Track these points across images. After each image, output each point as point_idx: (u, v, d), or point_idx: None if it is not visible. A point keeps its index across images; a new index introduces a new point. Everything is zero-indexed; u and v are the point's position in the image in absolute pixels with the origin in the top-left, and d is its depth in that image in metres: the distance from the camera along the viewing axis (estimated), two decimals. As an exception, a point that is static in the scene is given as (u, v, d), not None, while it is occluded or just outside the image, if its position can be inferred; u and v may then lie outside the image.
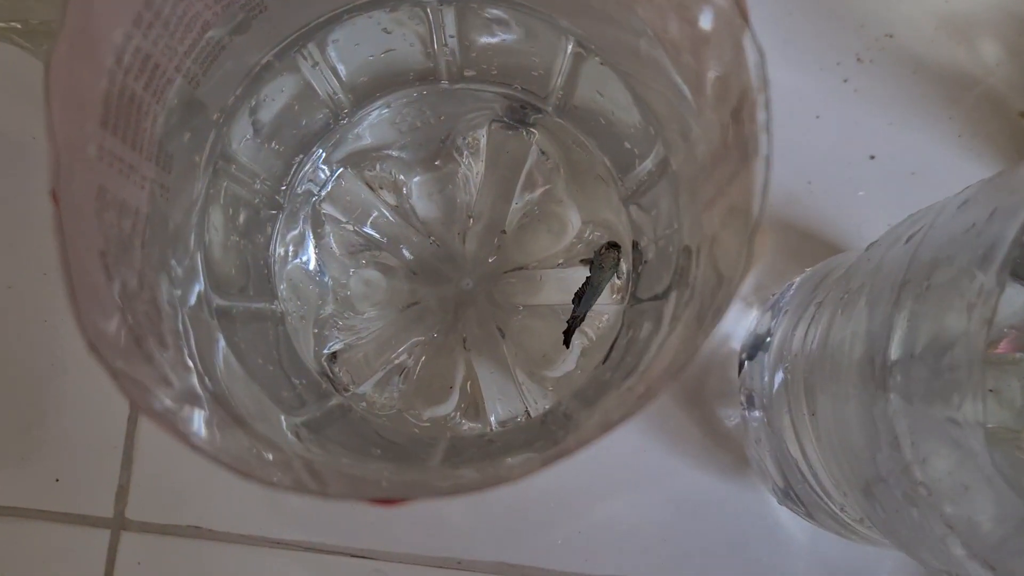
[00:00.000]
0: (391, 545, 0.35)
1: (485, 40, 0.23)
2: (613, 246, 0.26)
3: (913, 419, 0.21)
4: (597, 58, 0.22)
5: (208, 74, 0.20)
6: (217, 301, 0.22)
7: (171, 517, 0.36)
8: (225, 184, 0.23)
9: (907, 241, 0.21)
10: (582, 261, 0.27)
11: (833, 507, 0.29)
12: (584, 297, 0.27)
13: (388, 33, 0.23)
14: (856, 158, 0.37)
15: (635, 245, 0.26)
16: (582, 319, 0.27)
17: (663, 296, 0.21)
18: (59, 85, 0.15)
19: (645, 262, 0.24)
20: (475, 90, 0.27)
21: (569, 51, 0.22)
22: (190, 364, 0.19)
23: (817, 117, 0.37)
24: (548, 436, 0.24)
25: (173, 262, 0.20)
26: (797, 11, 0.38)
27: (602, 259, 0.26)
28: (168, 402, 0.16)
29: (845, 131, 0.37)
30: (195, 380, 0.18)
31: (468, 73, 0.25)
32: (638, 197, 0.24)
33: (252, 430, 0.18)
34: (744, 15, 0.15)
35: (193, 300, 0.20)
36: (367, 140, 0.29)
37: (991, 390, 0.31)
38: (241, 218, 0.24)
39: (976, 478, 0.18)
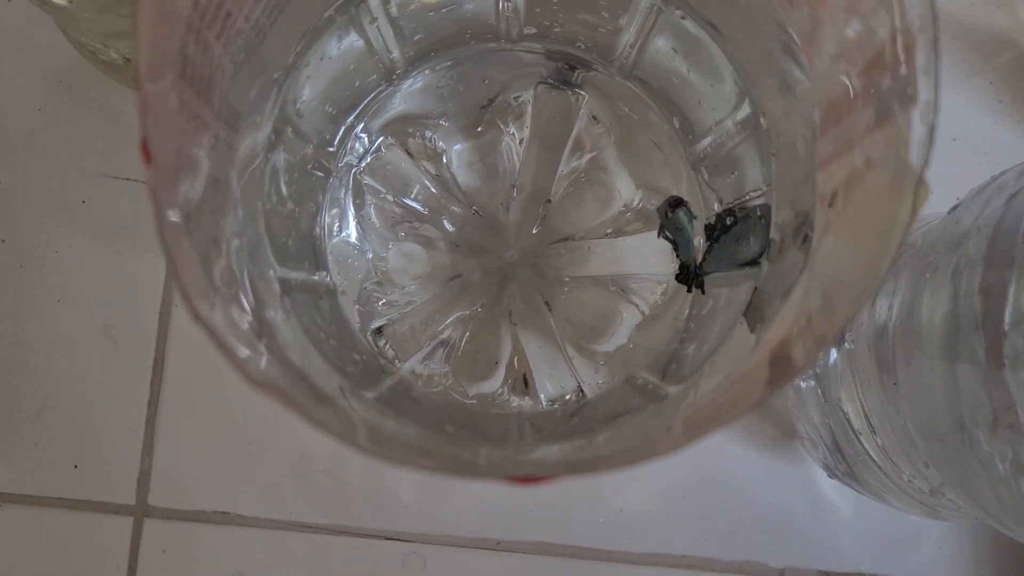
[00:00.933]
0: (427, 527, 0.34)
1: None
2: (677, 203, 0.25)
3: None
4: (679, 11, 0.21)
5: (275, 27, 0.19)
6: (280, 271, 0.21)
7: (196, 503, 0.34)
8: (281, 148, 0.21)
9: (1009, 201, 0.20)
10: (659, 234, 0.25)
11: (897, 477, 0.28)
12: (682, 254, 0.26)
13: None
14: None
15: (681, 198, 0.25)
16: (698, 271, 0.25)
17: (752, 264, 0.20)
18: (145, 24, 0.14)
19: (724, 227, 0.23)
20: (525, 51, 0.26)
21: (645, 4, 0.21)
22: (248, 319, 0.17)
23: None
24: (636, 408, 0.22)
25: (238, 228, 0.19)
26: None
27: (673, 222, 0.25)
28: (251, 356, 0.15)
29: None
30: (267, 349, 0.17)
31: (528, 31, 0.24)
32: (713, 160, 0.23)
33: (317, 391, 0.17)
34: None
35: (260, 269, 0.19)
36: (407, 106, 0.28)
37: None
38: (295, 185, 0.22)
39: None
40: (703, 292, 0.25)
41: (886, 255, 0.13)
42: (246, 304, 0.17)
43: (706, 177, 0.24)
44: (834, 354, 0.29)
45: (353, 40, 0.22)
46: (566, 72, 0.27)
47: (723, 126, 0.22)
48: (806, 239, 0.18)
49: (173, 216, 0.14)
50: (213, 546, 0.34)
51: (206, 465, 0.34)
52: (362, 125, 0.27)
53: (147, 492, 0.34)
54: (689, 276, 0.25)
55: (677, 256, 0.26)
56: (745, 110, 0.21)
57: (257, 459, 0.34)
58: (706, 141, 0.23)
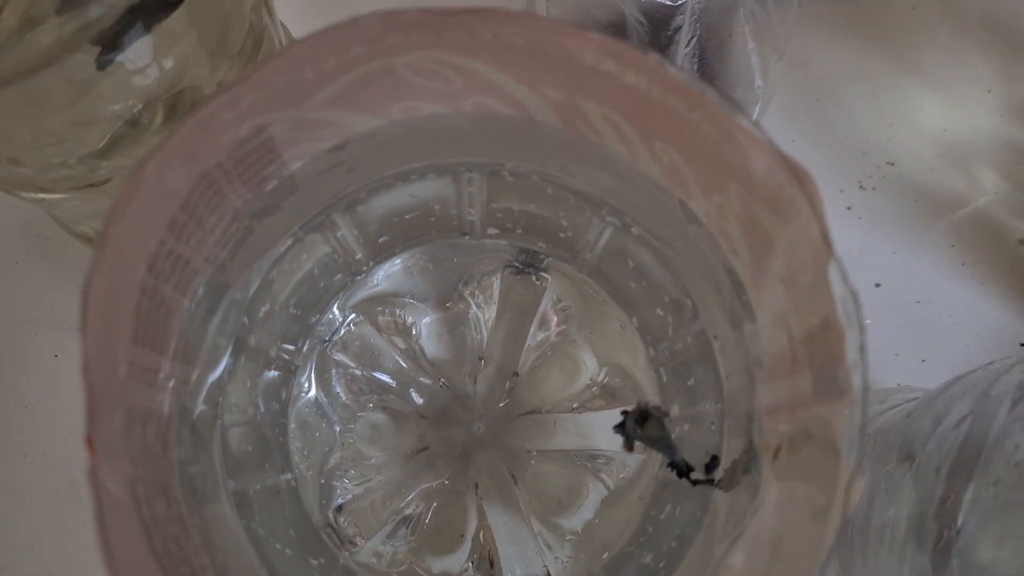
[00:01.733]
0: None
1: (513, 205, 0.23)
2: (644, 418, 0.24)
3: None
4: (635, 230, 0.21)
5: (235, 259, 0.19)
6: (233, 485, 0.21)
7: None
8: (243, 359, 0.21)
9: (957, 426, 0.20)
10: (615, 429, 0.25)
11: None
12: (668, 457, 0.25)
13: (414, 198, 0.22)
14: (862, 286, 0.36)
15: (648, 409, 0.24)
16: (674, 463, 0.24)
17: (705, 483, 0.20)
18: (94, 312, 0.14)
19: (669, 431, 0.23)
20: (491, 242, 0.26)
21: (604, 222, 0.22)
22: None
23: (822, 244, 0.37)
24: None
25: (189, 461, 0.19)
26: (800, 138, 0.38)
27: (646, 437, 0.24)
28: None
29: (851, 259, 0.37)
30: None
31: (491, 231, 0.25)
32: (671, 363, 0.23)
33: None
34: (829, 247, 0.14)
35: (201, 496, 0.19)
36: (381, 287, 0.28)
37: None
38: (258, 389, 0.23)
39: None
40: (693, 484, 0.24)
41: (821, 549, 0.13)
42: (193, 541, 0.17)
43: (665, 379, 0.24)
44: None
45: (318, 250, 0.23)
46: (532, 257, 0.28)
47: (680, 334, 0.22)
48: (748, 471, 0.18)
49: (116, 492, 0.14)
50: None
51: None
52: (335, 305, 0.27)
53: None
54: (681, 471, 0.24)
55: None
56: (699, 326, 0.21)
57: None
58: (663, 345, 0.23)
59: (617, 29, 0.24)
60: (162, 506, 0.16)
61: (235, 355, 0.21)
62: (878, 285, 0.37)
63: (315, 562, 0.23)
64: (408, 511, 0.29)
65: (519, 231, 0.24)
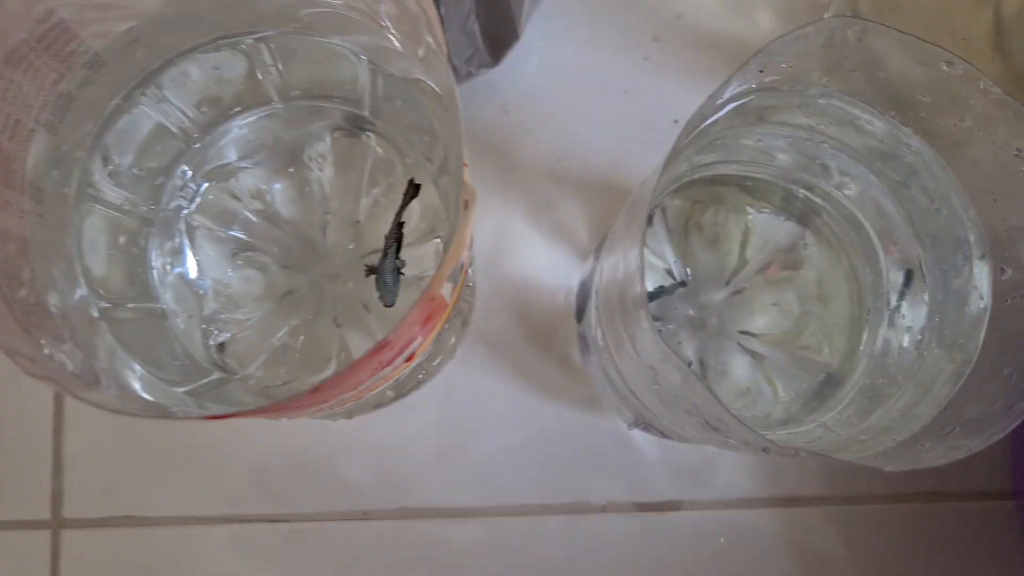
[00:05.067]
0: (303, 507, 0.40)
1: (302, 68, 0.29)
2: (413, 185, 0.32)
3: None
4: (388, 74, 0.27)
5: (65, 122, 0.25)
6: (102, 304, 0.27)
7: (105, 510, 0.40)
8: (95, 207, 0.27)
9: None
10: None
11: (672, 421, 0.34)
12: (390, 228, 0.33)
13: (217, 69, 0.28)
14: (662, 124, 0.43)
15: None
16: (388, 250, 0.32)
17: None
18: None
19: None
20: (310, 105, 0.32)
21: (366, 70, 0.28)
22: (79, 352, 0.24)
23: (626, 92, 0.43)
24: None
25: (55, 274, 0.25)
26: (598, 1, 0.44)
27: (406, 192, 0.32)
28: (67, 374, 0.21)
29: (650, 102, 0.43)
30: (84, 363, 0.23)
31: (294, 93, 0.31)
32: (440, 176, 0.30)
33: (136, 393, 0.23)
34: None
35: (75, 303, 0.25)
36: (227, 157, 0.34)
37: (774, 303, 0.37)
38: (118, 235, 0.29)
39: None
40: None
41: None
42: (66, 341, 0.23)
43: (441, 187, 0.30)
44: (594, 320, 0.36)
45: (144, 117, 0.28)
46: (356, 119, 0.34)
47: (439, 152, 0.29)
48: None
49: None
50: (124, 546, 0.40)
51: (112, 476, 0.40)
52: (190, 174, 0.33)
53: (61, 506, 0.40)
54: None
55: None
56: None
57: (156, 465, 0.40)
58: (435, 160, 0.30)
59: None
60: (24, 294, 0.22)
61: (84, 202, 0.27)
62: (676, 121, 0.43)
63: (176, 363, 0.29)
64: (279, 343, 0.36)
65: (315, 88, 0.30)
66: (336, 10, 0.24)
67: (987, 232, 0.25)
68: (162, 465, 0.40)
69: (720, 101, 0.25)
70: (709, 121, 0.24)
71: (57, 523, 0.40)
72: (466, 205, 0.20)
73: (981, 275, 0.26)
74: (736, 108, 0.25)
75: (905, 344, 0.29)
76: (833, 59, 0.24)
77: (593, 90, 0.43)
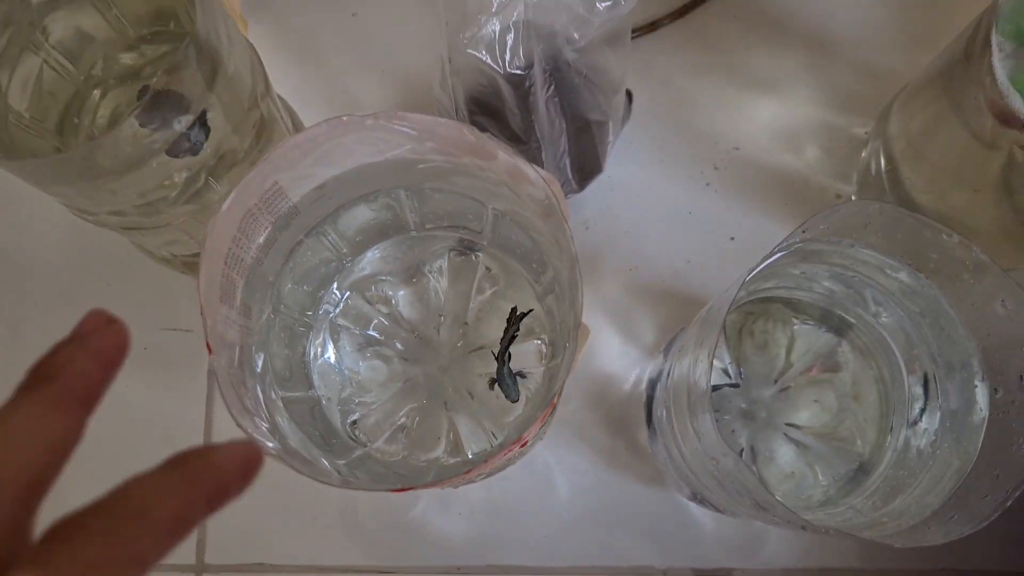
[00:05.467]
0: (410, 561, 0.47)
1: (436, 208, 0.37)
2: (518, 316, 0.39)
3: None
4: (508, 216, 0.35)
5: (269, 255, 0.33)
6: (280, 392, 0.35)
7: (241, 557, 0.48)
8: (277, 319, 0.35)
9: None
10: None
11: (728, 500, 0.41)
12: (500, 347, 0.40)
13: (373, 212, 0.36)
14: (721, 240, 0.50)
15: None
16: (502, 360, 0.40)
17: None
18: (206, 285, 0.28)
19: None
20: (435, 234, 0.40)
21: (490, 212, 0.36)
22: (267, 428, 0.31)
23: (690, 213, 0.51)
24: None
25: (255, 372, 0.33)
26: (667, 135, 0.52)
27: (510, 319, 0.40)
28: (270, 446, 0.28)
29: (711, 221, 0.51)
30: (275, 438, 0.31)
31: (428, 225, 0.39)
32: (546, 296, 0.37)
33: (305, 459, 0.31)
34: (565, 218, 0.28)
35: (264, 393, 0.33)
36: (366, 271, 0.42)
37: (815, 400, 0.44)
38: (287, 338, 0.37)
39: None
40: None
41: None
42: (264, 416, 0.31)
43: (547, 306, 0.38)
44: (663, 412, 0.43)
45: (316, 247, 0.37)
46: (468, 243, 0.42)
47: (547, 276, 0.36)
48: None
49: (227, 381, 0.28)
50: (255, 589, 0.48)
51: (247, 527, 0.48)
52: (337, 285, 0.42)
53: (204, 552, 0.48)
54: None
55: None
56: (550, 272, 0.35)
57: (285, 518, 0.48)
58: (541, 283, 0.37)
59: (495, 90, 0.38)
60: (243, 390, 0.30)
61: (272, 314, 0.35)
62: (732, 239, 0.50)
63: (334, 441, 0.37)
64: (400, 422, 0.43)
65: (445, 222, 0.38)
66: (476, 176, 0.32)
67: (984, 359, 0.31)
68: (289, 517, 0.48)
69: (771, 253, 0.32)
70: (762, 265, 0.31)
71: (200, 568, 0.48)
72: (579, 327, 0.27)
73: (982, 393, 0.32)
74: (784, 254, 0.32)
75: (922, 444, 0.36)
76: (859, 223, 0.31)
77: (661, 210, 0.51)
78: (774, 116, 0.52)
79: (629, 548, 0.47)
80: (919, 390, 0.36)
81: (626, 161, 0.51)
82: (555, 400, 0.29)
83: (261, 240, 0.32)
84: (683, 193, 0.51)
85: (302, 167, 0.31)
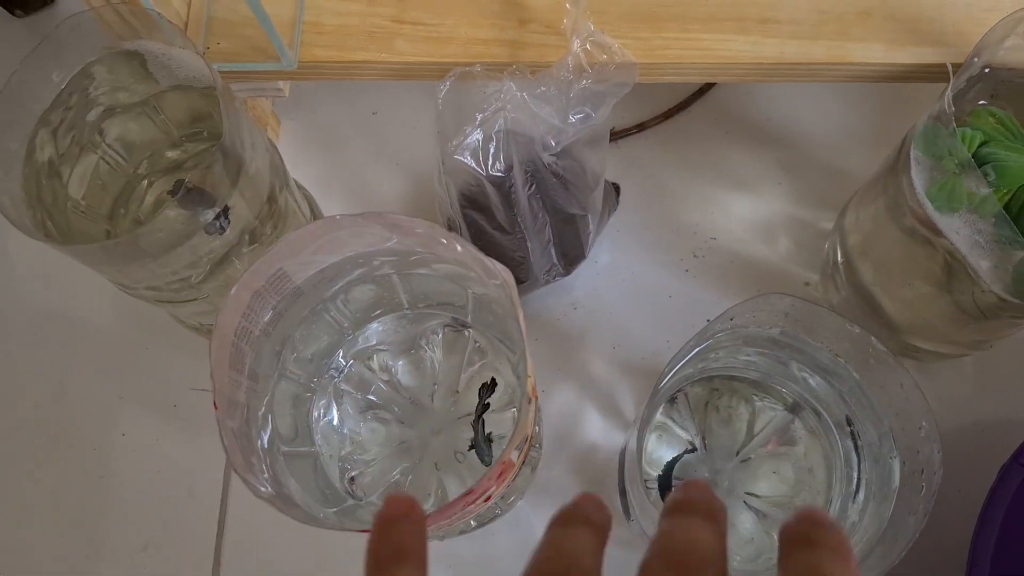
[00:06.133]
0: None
1: (425, 289, 0.42)
2: (488, 387, 0.44)
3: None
4: (484, 298, 0.40)
5: (276, 328, 0.39)
6: (283, 448, 0.40)
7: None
8: (282, 382, 0.41)
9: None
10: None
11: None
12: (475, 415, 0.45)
13: (371, 292, 0.42)
14: (699, 321, 0.55)
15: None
16: (475, 427, 0.45)
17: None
18: (217, 353, 0.34)
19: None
20: (428, 312, 0.46)
21: (470, 294, 0.41)
22: (267, 477, 0.36)
23: (670, 296, 0.56)
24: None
25: (260, 428, 0.38)
26: (651, 225, 0.57)
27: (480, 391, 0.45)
28: (264, 491, 0.33)
29: (689, 304, 0.55)
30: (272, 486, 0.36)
31: (420, 304, 0.44)
32: (518, 365, 0.42)
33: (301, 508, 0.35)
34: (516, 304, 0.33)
35: (267, 446, 0.38)
36: (370, 342, 0.48)
37: (774, 471, 0.48)
38: (292, 399, 0.42)
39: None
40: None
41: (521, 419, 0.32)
42: (266, 472, 0.36)
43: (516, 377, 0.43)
44: (629, 482, 0.47)
45: (320, 322, 0.42)
46: (460, 320, 0.47)
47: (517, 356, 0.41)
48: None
49: (229, 433, 0.33)
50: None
51: (261, 561, 0.53)
52: (341, 353, 0.47)
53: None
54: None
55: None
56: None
57: (296, 551, 0.52)
58: (514, 359, 0.42)
59: (481, 189, 0.44)
60: (250, 449, 0.35)
61: (278, 380, 0.40)
62: (708, 320, 0.55)
63: (328, 492, 0.42)
64: (394, 480, 0.48)
65: (435, 303, 0.44)
66: (452, 265, 0.38)
67: (893, 434, 0.35)
68: (298, 560, 0.52)
69: (702, 340, 0.36)
70: (698, 349, 0.36)
71: (214, 608, 0.52)
72: (529, 401, 0.32)
73: (895, 463, 0.36)
74: (717, 338, 0.37)
75: (856, 518, 0.39)
76: (780, 312, 0.36)
77: (643, 293, 0.56)
78: (749, 210, 0.57)
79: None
80: (852, 458, 0.40)
81: (613, 247, 0.56)
82: (506, 459, 0.33)
83: (267, 317, 0.38)
84: (664, 278, 0.56)
85: (304, 255, 0.36)
